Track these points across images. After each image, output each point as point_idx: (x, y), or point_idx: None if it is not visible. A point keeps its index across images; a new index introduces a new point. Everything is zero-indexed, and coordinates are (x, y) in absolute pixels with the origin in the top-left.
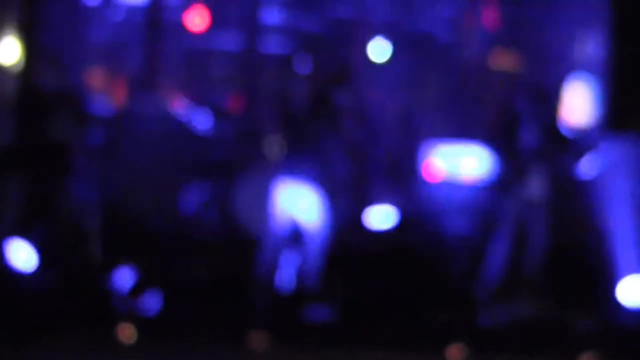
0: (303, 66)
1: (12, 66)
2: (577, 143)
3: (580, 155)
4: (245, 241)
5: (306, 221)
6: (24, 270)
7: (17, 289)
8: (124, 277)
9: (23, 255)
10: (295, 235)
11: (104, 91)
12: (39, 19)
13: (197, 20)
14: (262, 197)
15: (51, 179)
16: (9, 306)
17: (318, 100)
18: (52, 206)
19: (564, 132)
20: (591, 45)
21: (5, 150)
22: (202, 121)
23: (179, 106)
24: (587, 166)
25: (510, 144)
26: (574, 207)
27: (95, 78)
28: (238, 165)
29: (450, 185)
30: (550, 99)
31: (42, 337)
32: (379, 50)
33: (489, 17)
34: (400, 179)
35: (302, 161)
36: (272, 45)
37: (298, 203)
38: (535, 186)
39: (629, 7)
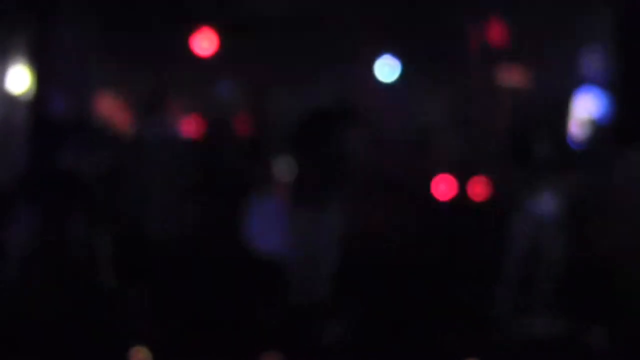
0: (310, 92)
1: (22, 94)
2: (587, 157)
3: (590, 169)
4: (256, 261)
5: (319, 240)
6: (37, 296)
7: (30, 314)
8: (137, 301)
9: (35, 280)
10: (309, 255)
11: (113, 117)
12: (48, 46)
13: (204, 44)
14: (273, 217)
15: (62, 205)
16: (22, 331)
17: (325, 127)
18: (64, 232)
19: (574, 147)
20: (599, 59)
21: (16, 178)
22: (210, 143)
23: (188, 129)
24: (597, 180)
25: (521, 160)
26: (587, 222)
27: (104, 104)
28: (247, 185)
29: (463, 203)
30: (559, 114)
31: (53, 355)
32: (387, 69)
33: (496, 34)
34: (413, 198)
35: (311, 180)
36: (279, 69)
37: (309, 222)
38: (548, 202)
39: (635, 21)
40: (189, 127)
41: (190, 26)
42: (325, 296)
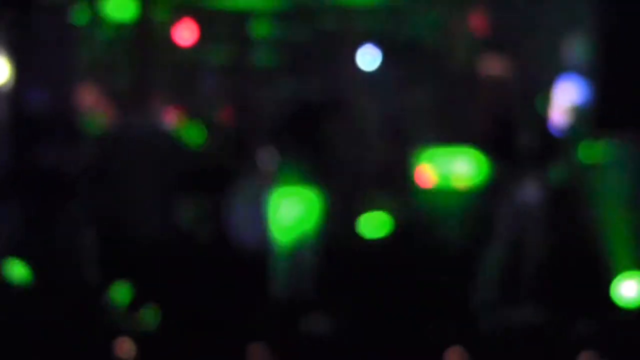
0: (292, 79)
1: (1, 87)
2: (569, 144)
3: (572, 156)
4: (242, 254)
5: (302, 231)
6: (21, 290)
7: (16, 307)
8: (122, 293)
9: (20, 275)
10: (292, 246)
11: (95, 109)
12: (28, 38)
13: (185, 34)
14: (257, 209)
15: (45, 199)
16: (10, 326)
17: (309, 118)
18: (48, 226)
19: (556, 134)
20: (579, 48)
21: None
22: (194, 134)
23: (171, 120)
24: (579, 167)
25: (503, 148)
26: (569, 210)
27: (86, 96)
28: (231, 177)
29: (445, 191)
30: (540, 102)
31: (41, 353)
32: (368, 58)
33: (477, 22)
34: (396, 186)
35: (294, 172)
36: (263, 58)
37: (293, 213)
38: (530, 190)
39: (615, 10)
40: (171, 118)
41: (172, 16)
42: (310, 289)
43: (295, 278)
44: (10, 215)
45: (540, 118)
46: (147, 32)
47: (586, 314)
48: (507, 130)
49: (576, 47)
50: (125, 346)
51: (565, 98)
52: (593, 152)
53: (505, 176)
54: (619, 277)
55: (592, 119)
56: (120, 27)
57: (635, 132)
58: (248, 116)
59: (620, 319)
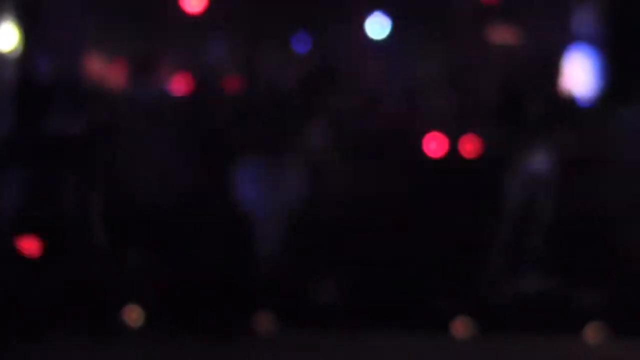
0: (300, 46)
1: (9, 53)
2: (580, 115)
3: (582, 127)
4: (250, 224)
5: (306, 203)
6: (31, 259)
7: (26, 276)
8: (131, 261)
9: (30, 244)
10: (299, 218)
11: (103, 76)
12: (37, 4)
13: (193, 1)
14: (263, 179)
15: (54, 167)
16: (19, 294)
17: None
18: (56, 194)
19: (566, 105)
20: (590, 17)
21: (6, 140)
22: (200, 102)
23: (178, 88)
24: (589, 136)
25: (512, 118)
26: (580, 180)
27: (93, 63)
28: (237, 146)
29: (454, 161)
30: (551, 72)
31: (52, 322)
32: (377, 26)
33: None
34: (404, 155)
35: (297, 140)
36: (269, 26)
37: (296, 184)
38: (539, 160)
39: None
40: (179, 85)
41: None
42: (316, 258)
43: (302, 249)
44: (19, 180)
45: (551, 87)
46: None
47: (593, 284)
48: (517, 99)
49: (587, 18)
50: (133, 313)
51: (577, 68)
52: (605, 121)
53: (514, 145)
54: (625, 249)
55: (603, 90)
56: None
57: None
58: (254, 84)
59: (628, 288)
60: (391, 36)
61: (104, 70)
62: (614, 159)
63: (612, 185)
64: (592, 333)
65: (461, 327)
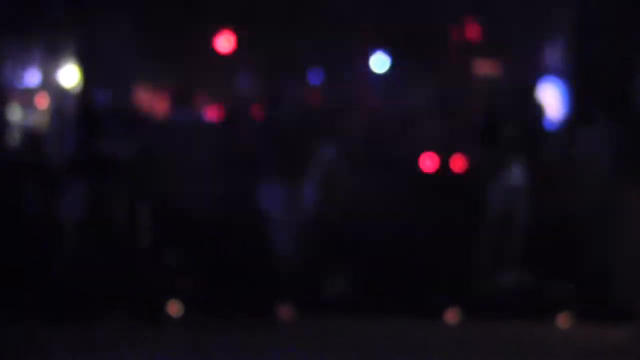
0: (314, 79)
1: (72, 88)
2: (549, 135)
3: (551, 145)
4: (272, 230)
5: (320, 211)
6: (87, 258)
7: (82, 274)
8: (172, 261)
9: (86, 245)
10: (314, 223)
11: (149, 106)
12: (93, 47)
13: (224, 43)
14: (283, 190)
15: (108, 180)
16: (76, 289)
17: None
18: (110, 202)
19: (538, 127)
20: (560, 52)
21: (70, 158)
22: (231, 127)
23: (212, 116)
24: (557, 154)
25: (493, 138)
26: (550, 191)
27: (141, 95)
28: (262, 161)
29: (444, 175)
30: (525, 100)
31: (101, 312)
32: (379, 62)
33: (471, 32)
34: (402, 171)
35: (312, 157)
36: (288, 63)
37: (311, 195)
38: (515, 174)
39: (591, 20)
40: (213, 114)
41: (213, 28)
42: (329, 255)
43: (316, 248)
44: (78, 193)
45: (526, 113)
46: (193, 40)
47: (564, 278)
48: (497, 123)
49: (556, 54)
50: (174, 306)
51: (547, 97)
52: (570, 141)
53: (494, 162)
54: (589, 247)
55: (570, 113)
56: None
57: (606, 125)
58: (277, 112)
59: (592, 281)
60: (391, 70)
61: (150, 101)
62: (578, 173)
63: (576, 194)
64: (563, 320)
65: (452, 316)
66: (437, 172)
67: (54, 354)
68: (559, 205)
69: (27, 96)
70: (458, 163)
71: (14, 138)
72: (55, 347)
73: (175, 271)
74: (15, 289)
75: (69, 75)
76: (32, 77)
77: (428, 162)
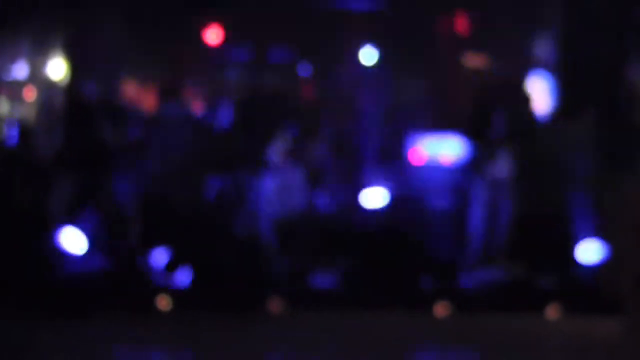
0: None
1: (60, 81)
2: (534, 130)
3: (538, 139)
4: (261, 223)
5: (310, 205)
6: (75, 253)
7: (70, 269)
8: (160, 256)
9: (74, 240)
10: (305, 218)
11: (137, 99)
12: (81, 41)
13: (213, 36)
14: (273, 185)
15: (96, 174)
16: (63, 284)
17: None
18: (98, 197)
19: (525, 121)
20: (547, 47)
21: (58, 152)
22: (219, 121)
23: (200, 109)
24: (544, 148)
25: (480, 132)
26: (537, 183)
27: (130, 89)
28: (251, 156)
29: (433, 168)
30: (513, 94)
31: (92, 307)
32: (368, 55)
33: (462, 24)
34: (391, 164)
35: (306, 152)
36: (277, 55)
37: (304, 188)
38: (502, 166)
39: (578, 16)
40: (199, 107)
41: (202, 21)
42: (319, 251)
43: (307, 243)
44: (67, 187)
45: (513, 107)
46: (180, 34)
47: (552, 271)
48: (483, 117)
49: (545, 47)
50: (163, 300)
51: (535, 90)
52: (558, 134)
53: (481, 155)
54: (579, 240)
55: (556, 107)
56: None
57: (591, 119)
58: (264, 106)
59: (580, 275)
60: (380, 63)
61: (138, 94)
62: (565, 165)
63: (563, 187)
64: (552, 311)
65: (442, 308)
66: (427, 164)
67: (47, 351)
68: (546, 198)
69: (14, 89)
70: (447, 156)
71: (2, 131)
72: (49, 344)
73: (166, 265)
74: (8, 286)
75: (57, 68)
76: (20, 70)
77: (417, 155)
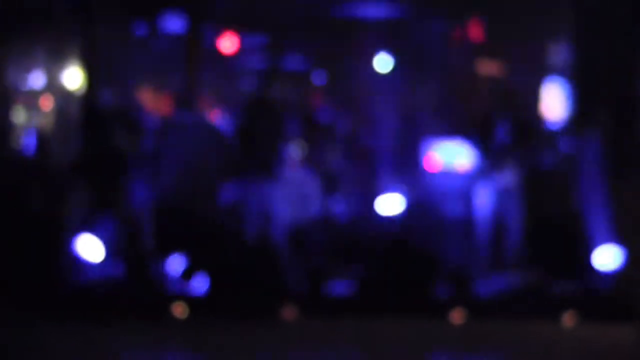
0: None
1: (76, 90)
2: (548, 137)
3: (551, 146)
4: (275, 230)
5: (326, 209)
6: (92, 260)
7: (87, 276)
8: (176, 263)
9: (91, 247)
10: (318, 224)
11: (153, 107)
12: (97, 50)
13: (227, 44)
14: (286, 190)
15: (112, 182)
16: (80, 291)
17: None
18: (115, 205)
19: (535, 129)
20: (561, 53)
21: (74, 160)
22: (234, 128)
23: (214, 116)
24: (558, 155)
25: (490, 140)
26: (552, 189)
27: (145, 96)
28: (266, 164)
29: (448, 175)
30: (524, 101)
31: (108, 314)
32: (383, 62)
33: (474, 32)
34: (407, 171)
35: (321, 159)
36: (291, 63)
37: (320, 195)
38: (511, 174)
39: (592, 21)
40: (215, 114)
41: (216, 29)
42: (334, 258)
43: (321, 251)
44: (83, 194)
45: (524, 115)
46: (196, 42)
47: (567, 277)
48: (493, 125)
49: (559, 55)
50: (179, 308)
51: (548, 97)
52: (569, 143)
53: (490, 163)
54: (595, 246)
55: (571, 115)
56: (174, 38)
57: (606, 127)
58: (275, 114)
59: (597, 283)
60: (394, 70)
61: (154, 102)
62: (579, 172)
63: (579, 193)
64: (568, 319)
65: (457, 315)
66: (440, 172)
67: (63, 358)
68: (561, 204)
69: (31, 98)
70: (459, 164)
71: (19, 140)
72: (65, 351)
73: (182, 273)
74: (26, 293)
75: (73, 78)
76: (37, 79)
77: (431, 162)
